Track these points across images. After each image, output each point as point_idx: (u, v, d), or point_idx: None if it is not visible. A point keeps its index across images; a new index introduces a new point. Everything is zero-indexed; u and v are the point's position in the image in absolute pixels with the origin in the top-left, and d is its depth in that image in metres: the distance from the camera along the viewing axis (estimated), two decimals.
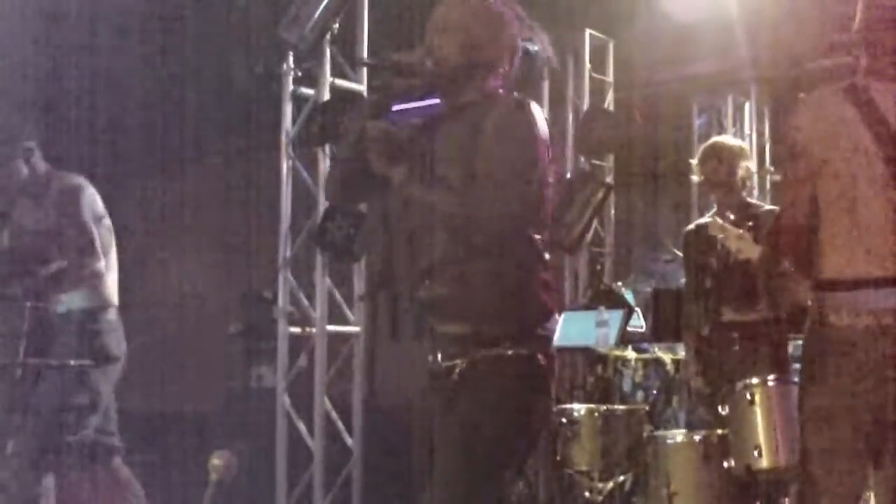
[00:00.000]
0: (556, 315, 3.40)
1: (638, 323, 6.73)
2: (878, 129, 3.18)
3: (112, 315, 5.20)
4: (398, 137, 3.37)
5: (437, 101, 3.57)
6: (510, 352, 3.24)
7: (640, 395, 6.31)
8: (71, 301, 5.07)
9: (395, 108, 3.47)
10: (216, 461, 5.15)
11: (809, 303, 3.32)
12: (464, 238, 3.26)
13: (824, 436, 3.25)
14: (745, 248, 4.84)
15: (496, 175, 3.19)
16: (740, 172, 5.53)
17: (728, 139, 6.04)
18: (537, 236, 3.31)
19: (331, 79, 6.55)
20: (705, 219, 5.66)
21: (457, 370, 3.29)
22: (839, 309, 3.20)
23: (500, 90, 3.40)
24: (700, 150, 5.68)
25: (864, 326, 3.14)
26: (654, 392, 6.30)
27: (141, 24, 7.29)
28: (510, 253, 3.27)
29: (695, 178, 5.61)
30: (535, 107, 3.32)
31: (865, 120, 3.20)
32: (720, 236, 4.94)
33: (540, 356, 3.27)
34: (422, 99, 3.59)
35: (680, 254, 6.16)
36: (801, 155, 3.30)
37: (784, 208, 3.45)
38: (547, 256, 3.39)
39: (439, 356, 3.35)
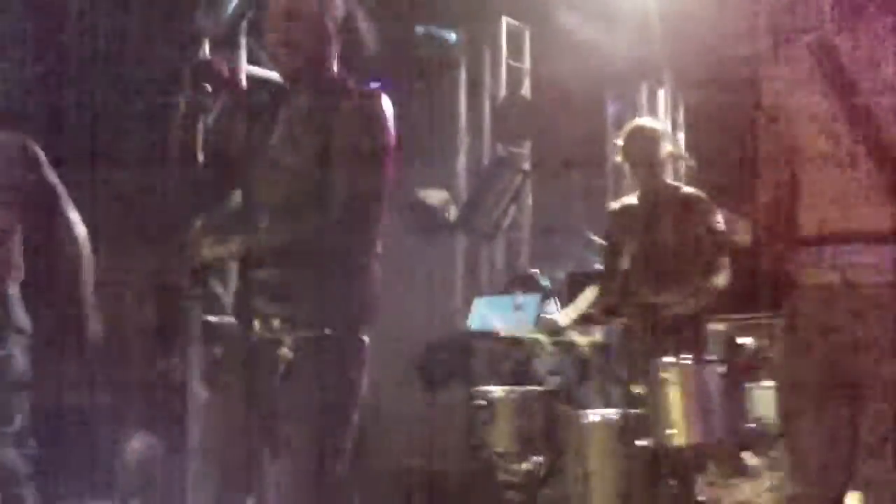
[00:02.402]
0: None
1: (553, 309, 6.75)
2: (847, 92, 3.12)
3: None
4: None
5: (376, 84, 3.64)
6: (340, 335, 3.38)
7: (554, 378, 6.31)
8: None
9: None
10: (136, 445, 5.05)
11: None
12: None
13: (797, 394, 3.19)
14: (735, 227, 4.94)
15: (346, 167, 3.32)
16: (663, 154, 5.57)
17: (651, 121, 6.07)
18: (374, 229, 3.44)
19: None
20: (630, 199, 5.68)
21: (287, 349, 3.38)
22: (807, 266, 3.17)
23: (348, 81, 3.48)
24: (624, 130, 5.69)
25: (829, 282, 3.10)
26: (569, 375, 6.31)
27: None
28: (348, 241, 3.39)
29: (618, 158, 5.62)
30: (384, 100, 3.41)
31: (833, 81, 3.14)
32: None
33: (364, 340, 3.44)
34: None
35: (595, 238, 6.20)
36: (777, 119, 3.27)
37: (766, 190, 3.37)
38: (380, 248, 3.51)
39: (266, 336, 3.41)
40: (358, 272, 3.45)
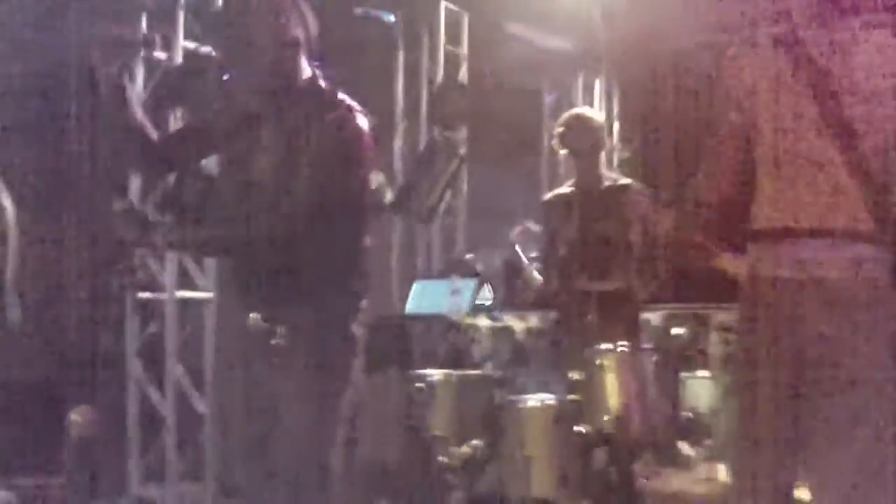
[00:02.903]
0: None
1: (487, 296, 6.83)
2: (817, 87, 3.13)
3: None
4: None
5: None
6: (332, 321, 3.50)
7: (490, 363, 6.40)
8: None
9: None
10: (76, 417, 5.02)
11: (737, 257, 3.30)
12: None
13: (751, 389, 3.20)
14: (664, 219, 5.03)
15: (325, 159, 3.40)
16: (601, 143, 5.67)
17: (591, 110, 6.15)
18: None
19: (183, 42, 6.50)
20: (565, 188, 5.77)
21: (280, 334, 3.48)
22: (766, 259, 3.18)
23: (320, 80, 3.56)
24: (563, 119, 5.76)
25: (788, 277, 3.11)
26: (504, 360, 6.40)
27: None
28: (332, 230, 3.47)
29: (558, 148, 5.69)
30: (358, 113, 3.52)
31: (803, 76, 3.15)
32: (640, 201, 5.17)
33: (356, 325, 3.56)
34: None
35: (530, 226, 6.27)
36: (733, 111, 3.28)
37: (705, 178, 3.41)
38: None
39: (259, 320, 3.50)
40: (348, 267, 3.56)
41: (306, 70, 3.55)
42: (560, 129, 5.70)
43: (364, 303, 3.62)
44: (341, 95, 3.56)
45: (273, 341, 3.47)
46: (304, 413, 3.48)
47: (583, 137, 5.62)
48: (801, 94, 3.16)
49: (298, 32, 3.53)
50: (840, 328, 3.07)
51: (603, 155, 5.78)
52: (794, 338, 3.11)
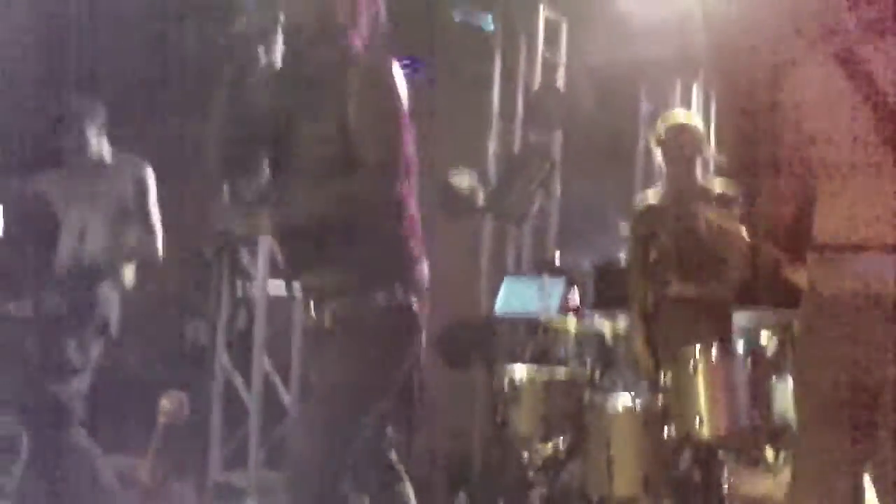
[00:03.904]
0: (424, 260, 3.55)
1: (574, 298, 6.78)
2: (876, 103, 3.11)
3: None
4: None
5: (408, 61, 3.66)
6: (381, 299, 3.41)
7: (576, 364, 6.35)
8: None
9: None
10: (166, 403, 5.06)
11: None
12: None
13: (813, 404, 3.19)
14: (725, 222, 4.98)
15: (365, 129, 3.35)
16: (704, 152, 5.62)
17: (693, 117, 6.06)
18: (399, 185, 3.45)
19: None
20: (656, 192, 5.72)
21: (327, 320, 3.44)
22: (828, 274, 3.16)
23: (362, 50, 3.50)
24: (665, 124, 5.72)
25: (852, 291, 3.08)
26: (591, 361, 6.36)
27: None
28: (374, 203, 3.43)
29: (657, 152, 5.65)
30: (395, 65, 3.45)
31: (861, 92, 3.13)
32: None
33: (411, 300, 3.45)
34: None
35: (621, 231, 6.23)
36: (789, 130, 3.28)
37: (768, 194, 3.43)
38: (413, 205, 3.53)
39: (312, 309, 3.47)
40: (390, 236, 3.48)
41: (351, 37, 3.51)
42: (661, 135, 5.66)
43: (418, 272, 3.53)
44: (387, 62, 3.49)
45: (322, 320, 3.47)
46: (337, 389, 3.44)
47: (685, 145, 5.58)
48: (857, 109, 3.13)
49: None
50: None
51: (700, 161, 5.71)
52: (853, 350, 3.08)
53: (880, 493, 3.15)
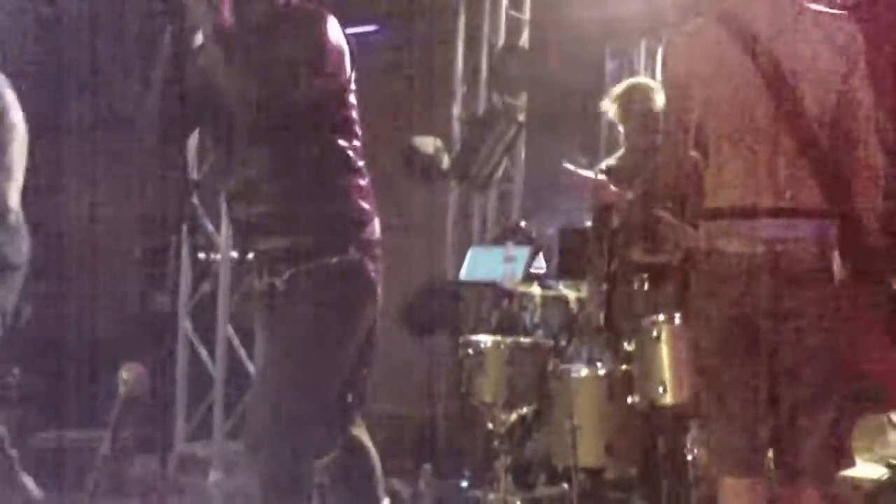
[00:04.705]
0: (376, 219, 3.52)
1: (539, 264, 6.75)
2: (761, 61, 3.17)
3: (9, 220, 4.92)
4: None
5: (373, 28, 3.60)
6: (334, 260, 3.38)
7: (542, 331, 6.33)
8: None
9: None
10: (125, 374, 4.99)
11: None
12: (276, 150, 3.37)
13: (710, 362, 3.32)
14: None
15: (282, 67, 3.27)
16: (656, 111, 5.55)
17: (649, 80, 6.02)
18: (344, 143, 3.44)
19: None
20: (618, 156, 5.67)
21: (280, 284, 3.39)
22: (718, 237, 3.26)
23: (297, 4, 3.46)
24: (618, 88, 5.67)
25: (738, 253, 3.20)
26: (556, 328, 6.33)
27: None
28: (320, 163, 3.40)
29: (611, 115, 5.61)
30: (329, 18, 3.40)
31: (746, 51, 3.19)
32: None
33: (365, 260, 3.43)
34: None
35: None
36: (683, 91, 3.33)
37: (664, 149, 3.49)
38: (361, 164, 3.50)
39: (264, 274, 3.43)
40: (339, 196, 3.45)
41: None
42: (615, 98, 5.61)
43: (369, 231, 3.50)
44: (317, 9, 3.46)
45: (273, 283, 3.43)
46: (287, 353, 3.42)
47: (638, 105, 5.53)
48: (747, 73, 3.19)
49: None
50: (794, 301, 3.16)
51: (652, 116, 5.66)
52: (750, 310, 3.19)
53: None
